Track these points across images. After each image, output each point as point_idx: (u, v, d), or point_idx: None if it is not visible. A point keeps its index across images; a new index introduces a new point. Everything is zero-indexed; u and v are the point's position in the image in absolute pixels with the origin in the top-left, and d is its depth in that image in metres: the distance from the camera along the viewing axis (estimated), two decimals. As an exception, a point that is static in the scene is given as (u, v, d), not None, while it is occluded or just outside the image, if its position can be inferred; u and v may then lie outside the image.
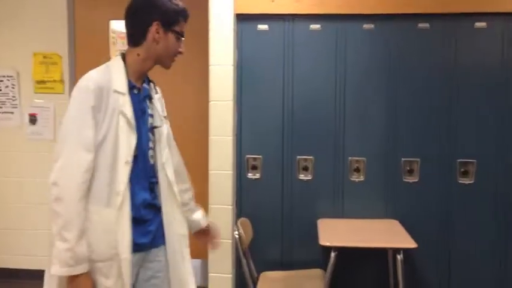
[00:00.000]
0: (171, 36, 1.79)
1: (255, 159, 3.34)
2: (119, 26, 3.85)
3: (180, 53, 1.85)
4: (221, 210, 3.26)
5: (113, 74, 1.74)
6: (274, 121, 3.31)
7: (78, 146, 1.62)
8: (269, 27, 3.27)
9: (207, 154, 3.31)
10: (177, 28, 1.80)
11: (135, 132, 1.73)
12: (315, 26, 3.24)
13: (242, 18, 3.25)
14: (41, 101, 3.80)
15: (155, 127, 1.86)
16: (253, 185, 3.34)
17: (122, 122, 1.69)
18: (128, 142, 1.70)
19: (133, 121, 1.72)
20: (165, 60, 1.82)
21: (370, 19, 3.18)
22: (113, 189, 1.67)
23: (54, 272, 1.60)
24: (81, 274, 1.60)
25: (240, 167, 3.34)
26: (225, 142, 3.27)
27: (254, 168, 3.34)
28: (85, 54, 3.75)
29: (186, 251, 1.94)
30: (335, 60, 3.23)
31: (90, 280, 1.63)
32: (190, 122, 4.19)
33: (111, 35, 3.76)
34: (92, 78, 1.71)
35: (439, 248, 3.19)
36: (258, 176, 3.34)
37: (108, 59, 3.92)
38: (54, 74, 3.78)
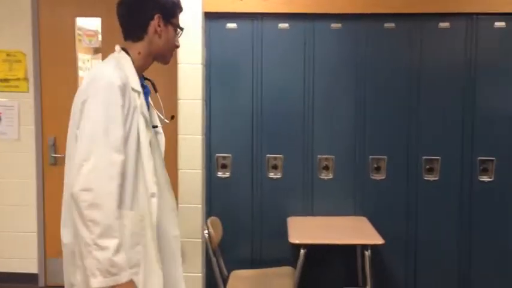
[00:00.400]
0: (170, 29, 1.75)
1: (224, 158, 3.34)
2: (84, 23, 3.78)
3: (177, 46, 1.81)
4: (191, 210, 3.24)
5: (126, 71, 1.65)
6: (244, 120, 3.31)
7: (109, 147, 1.51)
8: (238, 25, 3.27)
9: (176, 153, 3.29)
10: (175, 21, 1.77)
11: (152, 132, 1.69)
12: (283, 25, 3.26)
13: (211, 17, 3.24)
14: (5, 99, 3.70)
15: (155, 126, 1.84)
16: (223, 183, 3.34)
17: (141, 122, 1.62)
18: (146, 143, 1.63)
19: (149, 121, 1.68)
20: (165, 55, 1.77)
21: (338, 18, 3.22)
22: (138, 190, 1.60)
23: (98, 284, 1.48)
24: (126, 282, 1.51)
25: (210, 165, 3.33)
26: (194, 141, 3.25)
27: (224, 167, 3.34)
28: (50, 51, 3.67)
29: (178, 254, 1.87)
30: (303, 59, 3.25)
31: (135, 286, 1.56)
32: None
33: (77, 32, 3.69)
34: (112, 74, 1.59)
35: (405, 243, 3.25)
36: (227, 174, 3.34)
37: (73, 56, 3.85)
38: (18, 72, 3.69)
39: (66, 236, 1.65)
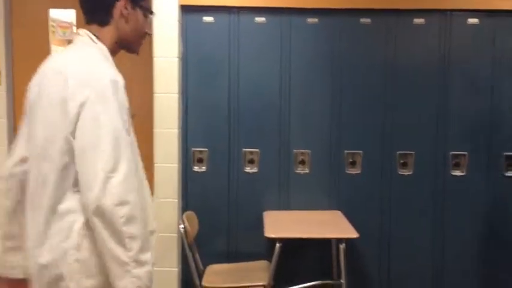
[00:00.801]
0: (139, 14, 1.57)
1: (201, 152, 3.32)
2: (58, 15, 3.72)
3: (147, 34, 1.64)
4: (167, 204, 3.23)
5: (112, 65, 1.51)
6: (220, 114, 3.30)
7: (131, 156, 1.40)
8: (214, 19, 3.25)
9: (152, 147, 3.27)
10: (144, 3, 1.58)
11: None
12: (260, 19, 3.25)
13: (187, 10, 3.21)
14: (-24, 93, 3.62)
15: None
16: (199, 178, 3.32)
17: (129, 120, 1.50)
18: (135, 144, 1.56)
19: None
20: (133, 43, 1.59)
21: (315, 13, 3.22)
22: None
23: None
24: None
25: (186, 160, 3.31)
26: (171, 135, 3.24)
27: (200, 161, 3.33)
28: (23, 43, 3.60)
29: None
30: (280, 54, 3.25)
31: None
32: (135, 114, 4.12)
33: (51, 24, 3.62)
34: (110, 70, 1.45)
35: (379, 237, 3.29)
36: (204, 169, 3.33)
37: (47, 49, 3.77)
38: (-11, 65, 3.61)
39: (45, 255, 1.41)
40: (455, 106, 3.24)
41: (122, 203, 1.33)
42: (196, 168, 3.33)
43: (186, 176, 3.32)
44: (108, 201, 1.31)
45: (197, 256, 3.14)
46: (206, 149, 3.32)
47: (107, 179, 1.32)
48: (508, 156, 3.22)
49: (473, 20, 3.21)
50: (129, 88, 4.28)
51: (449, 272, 3.30)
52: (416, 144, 3.26)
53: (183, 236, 2.96)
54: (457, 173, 3.25)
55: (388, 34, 3.23)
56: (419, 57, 3.25)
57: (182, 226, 2.97)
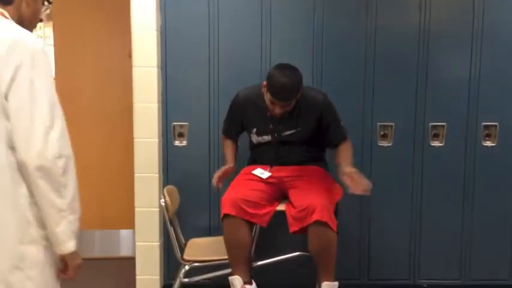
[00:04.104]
0: (38, 0, 1.69)
1: (181, 126, 3.29)
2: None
3: (41, 20, 1.74)
4: (147, 179, 3.22)
5: None
6: (201, 87, 3.27)
7: (62, 114, 1.55)
8: (193, -10, 3.19)
9: (131, 122, 3.23)
10: None
11: None
12: (239, -10, 3.20)
13: (164, -19, 3.15)
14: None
15: None
16: (180, 152, 3.30)
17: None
18: None
19: None
20: (29, 25, 1.66)
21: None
22: None
23: (75, 246, 1.57)
24: None
25: (166, 134, 3.29)
26: (150, 109, 3.20)
27: (181, 135, 3.31)
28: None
29: None
30: (261, 24, 3.21)
31: None
32: (113, 89, 4.07)
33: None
34: (38, 40, 1.59)
35: (360, 211, 3.33)
36: (184, 143, 3.30)
37: None
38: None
39: None
40: (434, 77, 3.24)
41: (60, 156, 1.48)
42: (177, 143, 3.30)
43: (167, 151, 3.30)
44: (49, 155, 1.46)
45: (178, 230, 3.14)
46: (187, 123, 3.29)
47: (47, 134, 1.47)
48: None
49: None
50: (107, 61, 4.21)
51: (426, 237, 3.36)
52: (396, 116, 3.27)
53: (164, 211, 2.96)
54: (436, 143, 3.28)
55: (369, 3, 3.20)
56: (399, 28, 3.24)
57: (163, 201, 2.96)
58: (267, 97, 2.75)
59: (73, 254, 1.58)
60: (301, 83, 2.75)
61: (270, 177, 2.86)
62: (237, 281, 2.72)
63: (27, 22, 1.64)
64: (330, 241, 2.66)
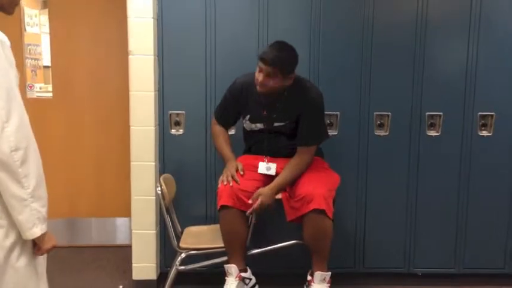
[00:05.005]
0: None
1: (178, 115, 3.29)
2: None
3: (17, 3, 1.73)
4: (144, 167, 3.22)
5: None
6: (197, 76, 3.25)
7: (21, 103, 1.56)
8: (189, -23, 3.17)
9: (128, 110, 3.23)
10: None
11: None
12: (236, -22, 3.18)
13: (161, -32, 3.13)
14: None
15: None
16: (176, 141, 3.30)
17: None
18: None
19: None
20: (9, 7, 1.67)
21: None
22: None
23: (41, 231, 1.61)
24: None
25: (163, 123, 3.28)
26: (147, 98, 3.19)
27: (177, 124, 3.30)
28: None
29: None
30: (258, 12, 3.19)
31: None
32: (110, 77, 4.06)
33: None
34: None
35: (356, 200, 3.34)
36: (181, 132, 3.30)
37: (19, 11, 3.64)
38: (-43, 26, 3.49)
39: None
40: (431, 67, 3.23)
41: (16, 149, 1.51)
42: (173, 131, 3.30)
43: (163, 139, 3.30)
44: (5, 149, 1.50)
45: (175, 218, 3.16)
46: (183, 112, 3.28)
47: (3, 128, 1.49)
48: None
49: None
50: (103, 49, 4.18)
51: (422, 230, 3.37)
52: (393, 105, 3.27)
53: (161, 199, 2.96)
54: (433, 133, 3.28)
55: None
56: (397, 18, 3.24)
57: (159, 189, 2.97)
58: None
59: (42, 238, 1.65)
60: (292, 58, 2.74)
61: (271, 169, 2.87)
62: (233, 269, 2.76)
63: (7, 5, 1.65)
64: (325, 229, 2.67)
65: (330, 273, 2.76)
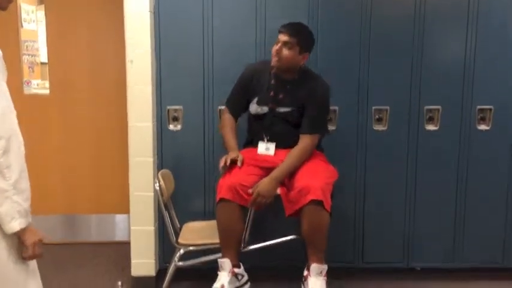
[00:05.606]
0: None
1: (175, 110, 3.28)
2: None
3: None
4: (142, 163, 3.21)
5: None
6: (195, 71, 3.24)
7: (6, 95, 1.55)
8: (187, -29, 3.15)
9: (125, 106, 3.21)
10: None
11: None
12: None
13: (157, -38, 3.11)
14: None
15: None
16: (174, 136, 3.29)
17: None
18: None
19: None
20: (1, 3, 1.66)
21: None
22: None
23: (21, 225, 1.58)
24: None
25: (161, 118, 3.27)
26: (144, 93, 3.18)
27: (175, 119, 3.29)
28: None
29: None
30: (255, 6, 3.17)
31: None
32: (107, 73, 4.05)
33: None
34: None
35: (354, 194, 3.34)
36: (179, 127, 3.29)
37: (15, 7, 3.62)
38: (-47, 22, 3.47)
39: None
40: (430, 61, 3.22)
41: None
42: (171, 127, 3.29)
43: (161, 135, 3.29)
44: None
45: (173, 214, 3.15)
46: (181, 107, 3.27)
47: None
48: None
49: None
50: (101, 44, 4.15)
51: (420, 220, 3.37)
52: (392, 100, 3.26)
53: (159, 195, 2.95)
54: (431, 127, 3.28)
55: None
56: (395, 13, 3.22)
57: (158, 185, 2.96)
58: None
59: (25, 233, 1.61)
60: (311, 35, 2.89)
61: (265, 161, 2.86)
62: (226, 264, 2.75)
63: (0, 0, 1.64)
64: (322, 220, 2.67)
65: (326, 266, 2.73)
